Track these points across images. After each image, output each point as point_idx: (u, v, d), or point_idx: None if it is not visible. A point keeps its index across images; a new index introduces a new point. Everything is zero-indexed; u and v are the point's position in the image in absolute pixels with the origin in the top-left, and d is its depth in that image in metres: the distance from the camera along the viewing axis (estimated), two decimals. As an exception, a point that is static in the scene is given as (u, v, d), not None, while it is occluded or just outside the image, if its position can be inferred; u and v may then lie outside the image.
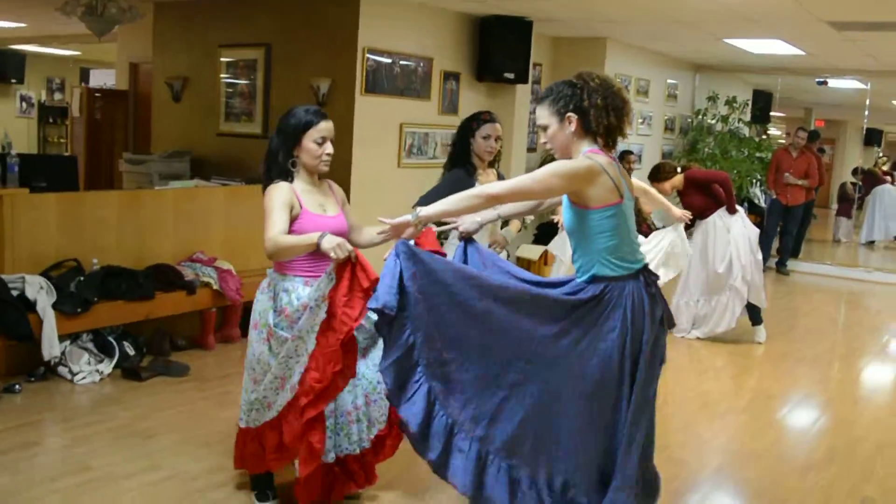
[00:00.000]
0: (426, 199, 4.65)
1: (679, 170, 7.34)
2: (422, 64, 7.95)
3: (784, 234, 11.24)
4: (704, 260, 7.16)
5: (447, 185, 4.68)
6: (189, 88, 8.54)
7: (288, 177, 3.54)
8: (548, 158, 10.04)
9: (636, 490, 3.01)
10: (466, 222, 3.51)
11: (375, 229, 3.41)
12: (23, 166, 6.55)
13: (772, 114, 14.02)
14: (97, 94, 10.43)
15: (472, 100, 8.51)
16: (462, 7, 8.08)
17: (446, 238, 4.47)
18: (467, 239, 3.47)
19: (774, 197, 11.00)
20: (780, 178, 10.85)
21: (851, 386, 6.54)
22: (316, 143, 3.52)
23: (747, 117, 13.23)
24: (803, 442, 5.15)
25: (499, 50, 8.46)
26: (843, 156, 17.58)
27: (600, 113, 3.00)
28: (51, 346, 5.10)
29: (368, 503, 3.85)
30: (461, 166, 4.67)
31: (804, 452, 4.90)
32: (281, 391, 3.46)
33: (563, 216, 3.14)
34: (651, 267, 3.21)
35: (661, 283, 3.31)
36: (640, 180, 5.52)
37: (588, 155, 3.01)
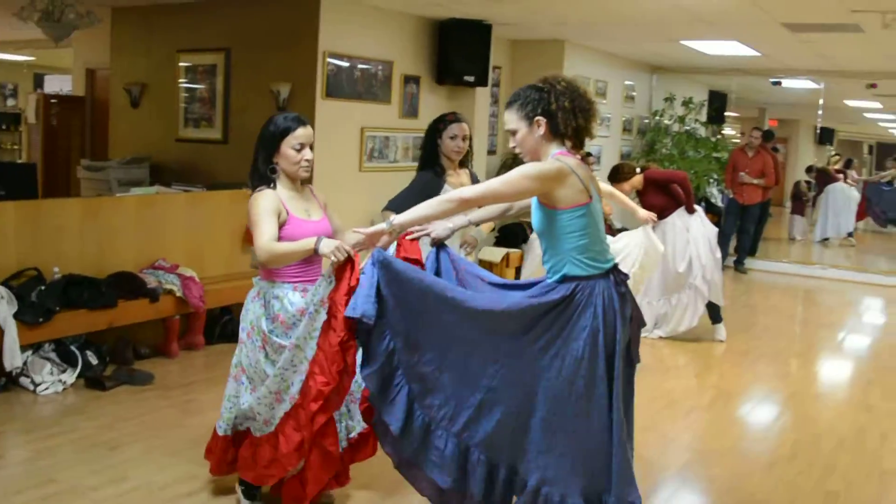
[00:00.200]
0: (395, 203, 4.67)
1: (638, 170, 7.40)
2: (382, 67, 7.95)
3: (741, 233, 11.41)
4: (664, 260, 7.23)
5: (416, 188, 4.71)
6: (147, 94, 8.46)
7: (270, 183, 3.56)
8: (508, 161, 10.11)
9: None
10: (438, 228, 3.53)
11: (354, 234, 3.45)
12: (-21, 174, 6.47)
13: (726, 114, 14.22)
14: (53, 101, 10.28)
15: (432, 103, 8.53)
16: (422, 11, 8.10)
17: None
18: (439, 245, 3.49)
19: (732, 196, 11.17)
20: (736, 178, 11.02)
21: (811, 382, 6.66)
22: (294, 150, 3.55)
23: (703, 118, 13.41)
24: (767, 438, 5.23)
25: (458, 53, 8.49)
26: (797, 155, 17.87)
27: (568, 115, 3.06)
28: (12, 357, 5.02)
29: (342, 502, 3.87)
30: (430, 168, 4.70)
31: (768, 448, 4.98)
32: (277, 405, 3.45)
33: (533, 217, 3.18)
34: (623, 268, 3.26)
35: (631, 283, 3.35)
36: (603, 182, 5.58)
37: (557, 157, 3.06)
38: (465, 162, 4.84)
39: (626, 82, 11.95)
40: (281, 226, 3.48)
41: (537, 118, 3.09)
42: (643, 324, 3.33)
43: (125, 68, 8.63)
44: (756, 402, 6.02)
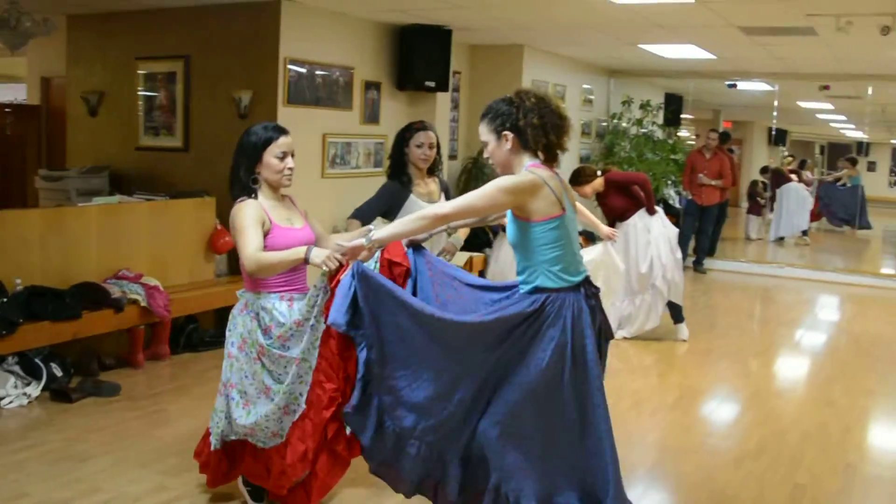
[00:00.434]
0: (360, 212, 4.69)
1: (599, 173, 7.47)
2: (343, 74, 7.94)
3: (700, 234, 11.56)
4: (626, 261, 7.30)
5: (381, 197, 4.74)
6: (106, 102, 8.36)
7: (251, 194, 3.55)
8: (468, 166, 10.15)
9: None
10: None
11: (337, 237, 3.45)
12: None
13: (682, 116, 14.39)
14: (7, 110, 10.12)
15: (393, 109, 8.54)
16: (382, 17, 8.10)
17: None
18: (416, 247, 3.52)
19: (690, 198, 11.31)
20: (695, 179, 11.17)
21: (774, 379, 6.77)
22: (277, 158, 3.56)
23: (660, 120, 13.56)
24: (733, 434, 5.31)
25: (419, 59, 8.50)
26: (751, 156, 18.14)
27: (538, 131, 3.09)
28: (-25, 371, 4.96)
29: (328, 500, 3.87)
30: (397, 178, 4.72)
31: (735, 444, 5.06)
32: (285, 416, 3.43)
33: (507, 230, 3.22)
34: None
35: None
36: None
37: (530, 169, 3.10)
38: (433, 170, 4.86)
39: (584, 86, 12.05)
40: (265, 235, 3.47)
41: (505, 133, 3.13)
42: (611, 336, 3.38)
43: (82, 76, 8.52)
44: (721, 399, 6.11)
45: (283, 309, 3.47)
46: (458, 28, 8.64)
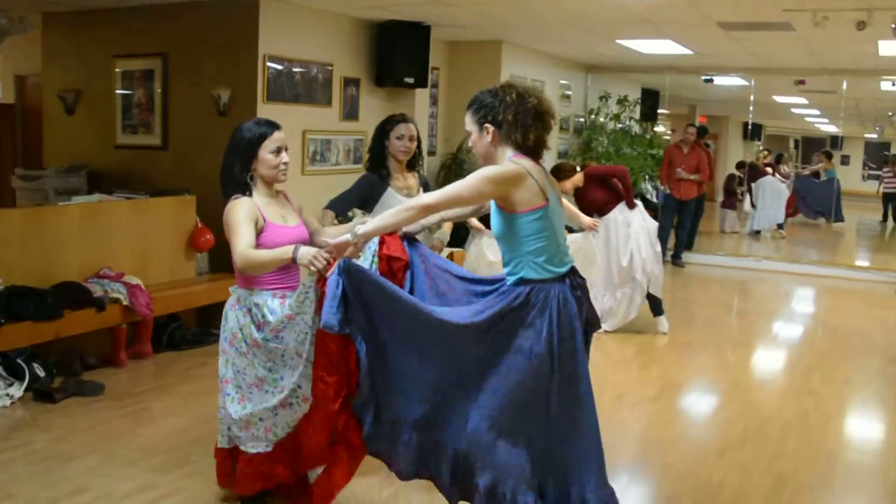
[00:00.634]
0: (336, 203, 4.67)
1: (578, 168, 7.51)
2: (321, 70, 7.93)
3: (679, 228, 11.64)
4: (607, 254, 7.36)
5: (359, 188, 4.71)
6: (83, 101, 8.30)
7: (246, 191, 3.53)
8: (448, 162, 10.17)
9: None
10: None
11: (332, 230, 3.45)
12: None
13: (658, 111, 14.47)
14: (-19, 109, 10.04)
15: (372, 105, 8.54)
16: (361, 13, 8.10)
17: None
18: (409, 239, 3.52)
19: (668, 192, 11.39)
20: (672, 174, 11.24)
21: (753, 370, 6.83)
22: (272, 154, 3.54)
23: (637, 115, 13.63)
24: (716, 425, 5.36)
25: (398, 55, 8.50)
26: (727, 150, 18.28)
27: (511, 128, 3.11)
28: (-43, 372, 4.92)
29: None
30: (376, 171, 4.69)
31: (718, 434, 5.11)
32: (281, 411, 3.42)
33: (492, 221, 3.22)
34: None
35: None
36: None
37: (513, 160, 3.10)
38: (413, 165, 4.84)
39: (562, 81, 12.09)
40: (259, 233, 3.46)
41: (486, 125, 3.14)
42: (598, 326, 3.40)
43: (58, 75, 8.45)
44: (703, 391, 6.16)
45: (275, 306, 3.45)
46: (436, 24, 8.65)
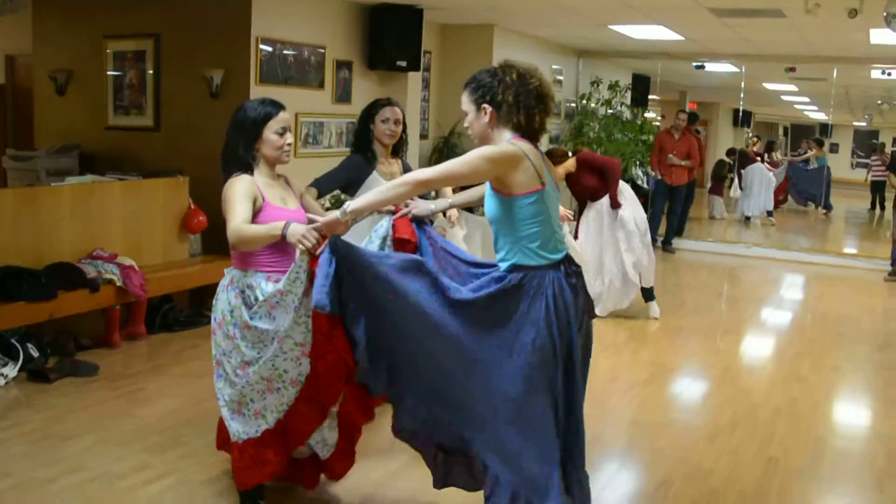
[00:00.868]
0: (321, 181, 4.66)
1: (570, 154, 7.51)
2: (313, 53, 7.91)
3: (669, 214, 11.70)
4: (597, 241, 7.38)
5: (344, 168, 4.70)
6: (74, 81, 8.26)
7: (248, 170, 3.52)
8: (440, 145, 10.17)
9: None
10: (419, 207, 3.56)
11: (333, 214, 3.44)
12: None
13: (649, 97, 14.49)
14: (-30, 89, 9.99)
15: (365, 88, 8.52)
16: (354, -5, 8.09)
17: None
18: (418, 222, 3.52)
19: (659, 178, 11.43)
20: (663, 160, 11.28)
21: (744, 356, 6.89)
22: (277, 134, 3.51)
23: (628, 101, 13.65)
24: (706, 410, 5.41)
25: (390, 38, 8.48)
26: (717, 137, 18.34)
27: (511, 109, 3.04)
28: (-49, 352, 4.92)
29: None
30: (361, 153, 4.69)
31: (709, 420, 5.16)
32: (269, 394, 3.39)
33: (486, 205, 3.15)
34: None
35: None
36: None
37: (511, 141, 3.04)
38: (398, 151, 4.84)
39: (553, 66, 12.07)
40: (257, 212, 3.42)
41: (484, 105, 3.08)
42: (593, 315, 3.37)
43: (49, 55, 8.40)
44: (693, 376, 6.21)
45: (269, 289, 3.39)
46: (428, 7, 8.64)
